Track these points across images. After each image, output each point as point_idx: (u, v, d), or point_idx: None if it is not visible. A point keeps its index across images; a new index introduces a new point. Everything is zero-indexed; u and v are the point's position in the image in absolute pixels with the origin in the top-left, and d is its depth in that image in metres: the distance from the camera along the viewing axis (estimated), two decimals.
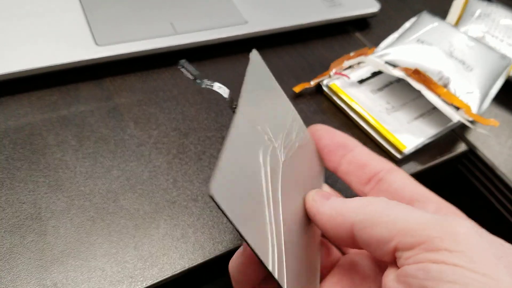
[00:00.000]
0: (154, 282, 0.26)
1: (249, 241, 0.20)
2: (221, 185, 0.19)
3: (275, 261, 0.21)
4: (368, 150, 0.27)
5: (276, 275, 0.20)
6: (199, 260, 0.28)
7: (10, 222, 0.28)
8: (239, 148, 0.21)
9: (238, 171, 0.20)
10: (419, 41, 0.37)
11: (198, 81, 0.26)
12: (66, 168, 0.30)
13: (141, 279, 0.26)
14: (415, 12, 0.47)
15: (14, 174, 0.30)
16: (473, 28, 0.42)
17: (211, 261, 0.28)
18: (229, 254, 0.28)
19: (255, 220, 0.20)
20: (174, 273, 0.27)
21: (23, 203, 0.28)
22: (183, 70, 0.26)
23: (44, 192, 0.29)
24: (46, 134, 0.32)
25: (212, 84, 0.25)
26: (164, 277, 0.27)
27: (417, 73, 0.35)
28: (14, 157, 0.30)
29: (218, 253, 0.28)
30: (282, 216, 0.22)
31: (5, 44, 0.34)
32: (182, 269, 0.27)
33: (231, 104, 0.26)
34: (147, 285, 0.26)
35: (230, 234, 0.29)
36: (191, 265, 0.27)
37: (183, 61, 0.26)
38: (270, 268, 0.20)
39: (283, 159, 0.24)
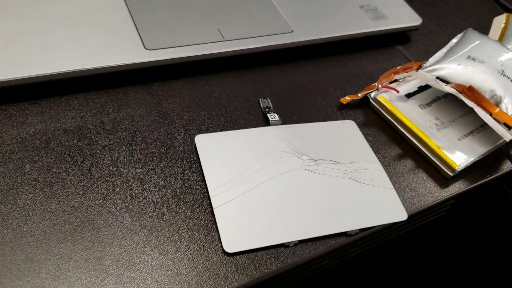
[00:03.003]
0: None
1: None
2: (229, 240, 0.27)
3: None
4: None
5: None
6: (254, 275, 0.27)
7: (62, 229, 0.27)
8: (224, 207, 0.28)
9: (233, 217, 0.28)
10: (470, 57, 0.36)
11: None
12: (118, 174, 0.29)
13: None
14: (455, 26, 0.47)
15: (64, 179, 0.29)
16: None
17: (270, 277, 0.27)
18: (284, 272, 0.27)
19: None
20: None
21: (75, 210, 0.27)
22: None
23: (96, 199, 0.28)
24: (96, 138, 0.31)
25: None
26: None
27: (471, 91, 0.34)
28: (64, 161, 0.29)
29: (276, 271, 0.27)
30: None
31: (54, 45, 0.33)
32: (239, 285, 0.26)
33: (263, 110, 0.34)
34: None
35: (284, 249, 0.28)
36: (248, 280, 0.26)
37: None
38: None
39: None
